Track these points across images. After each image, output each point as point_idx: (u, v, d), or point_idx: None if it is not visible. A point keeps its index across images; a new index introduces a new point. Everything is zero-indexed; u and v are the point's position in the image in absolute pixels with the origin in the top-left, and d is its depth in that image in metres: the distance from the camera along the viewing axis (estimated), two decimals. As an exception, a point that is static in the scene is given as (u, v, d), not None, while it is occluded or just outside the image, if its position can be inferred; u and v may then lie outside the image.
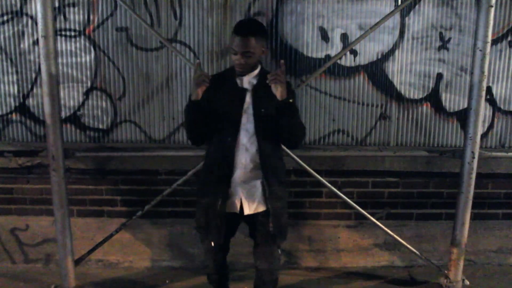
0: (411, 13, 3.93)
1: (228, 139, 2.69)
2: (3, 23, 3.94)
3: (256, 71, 2.74)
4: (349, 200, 3.77)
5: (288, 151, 3.46)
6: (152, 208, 3.85)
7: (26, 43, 3.97)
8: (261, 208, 2.79)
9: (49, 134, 3.45)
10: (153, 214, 4.07)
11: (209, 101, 2.68)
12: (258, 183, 2.77)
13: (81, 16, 3.92)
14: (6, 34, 3.96)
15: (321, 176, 3.75)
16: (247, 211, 2.77)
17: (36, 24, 3.75)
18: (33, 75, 4.01)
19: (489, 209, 4.24)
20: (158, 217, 4.16)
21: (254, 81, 2.73)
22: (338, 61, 3.97)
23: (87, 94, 4.05)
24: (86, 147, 4.01)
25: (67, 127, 4.06)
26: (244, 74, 2.70)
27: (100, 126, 4.11)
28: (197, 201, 2.92)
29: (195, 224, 2.94)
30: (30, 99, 4.06)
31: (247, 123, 2.70)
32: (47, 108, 3.41)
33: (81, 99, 4.06)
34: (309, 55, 4.00)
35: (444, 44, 3.99)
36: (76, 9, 3.91)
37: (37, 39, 3.80)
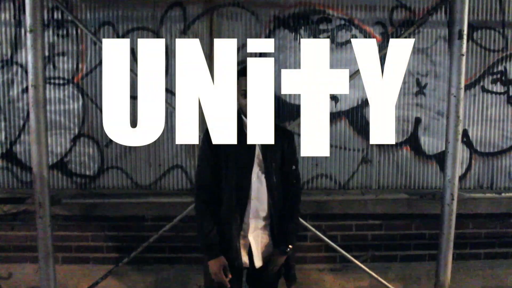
0: (389, 60, 4.11)
1: (240, 190, 2.58)
2: (-7, 72, 4.04)
3: None
4: (333, 244, 3.82)
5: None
6: (139, 254, 3.84)
7: (15, 91, 4.05)
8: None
9: (36, 181, 3.47)
10: (139, 260, 4.06)
11: (217, 153, 2.59)
12: (268, 234, 2.68)
13: (70, 65, 4.04)
14: (-4, 83, 4.05)
15: (306, 220, 3.80)
16: (258, 263, 2.65)
17: (26, 72, 3.85)
18: (21, 122, 4.08)
19: (471, 249, 4.33)
20: (145, 264, 4.15)
21: None
22: (320, 107, 4.10)
23: (74, 140, 4.11)
24: (72, 194, 4.03)
25: (54, 173, 4.09)
26: None
27: (87, 173, 4.15)
28: (205, 272, 2.71)
29: (204, 284, 2.80)
30: (18, 146, 4.10)
31: (259, 174, 2.61)
32: (34, 156, 3.44)
33: (68, 146, 4.11)
34: (292, 102, 4.13)
35: (421, 90, 4.17)
36: (65, 58, 4.03)
37: (26, 87, 3.91)
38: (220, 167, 2.60)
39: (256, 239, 2.64)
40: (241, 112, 2.63)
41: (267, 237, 2.68)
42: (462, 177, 4.22)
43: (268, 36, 4.07)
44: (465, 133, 4.19)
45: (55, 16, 4.00)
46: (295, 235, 2.72)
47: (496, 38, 4.17)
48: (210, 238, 2.57)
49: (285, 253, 2.65)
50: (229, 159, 2.58)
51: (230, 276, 2.57)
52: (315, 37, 4.09)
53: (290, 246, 2.65)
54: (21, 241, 4.12)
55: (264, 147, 2.61)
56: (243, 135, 2.59)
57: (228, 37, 4.04)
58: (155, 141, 4.04)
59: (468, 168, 4.28)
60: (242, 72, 2.59)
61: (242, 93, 2.55)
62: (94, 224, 4.13)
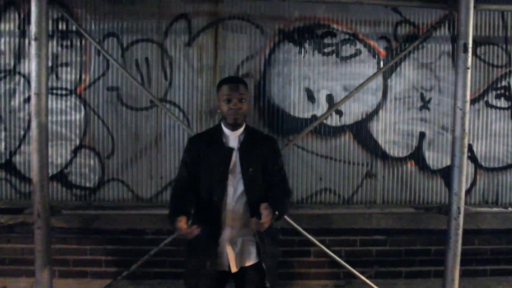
0: (393, 75, 4.14)
1: (215, 198, 2.65)
2: (-4, 81, 4.01)
3: (242, 128, 2.73)
4: (339, 259, 3.76)
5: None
6: (138, 268, 3.76)
7: (17, 101, 4.01)
8: (250, 262, 2.71)
9: (35, 191, 3.40)
10: (139, 275, 3.98)
11: (196, 162, 2.70)
12: (248, 241, 2.70)
13: (73, 76, 4.02)
14: (-2, 92, 4.02)
15: (309, 235, 3.74)
16: (234, 269, 2.68)
17: (28, 82, 3.85)
18: (22, 133, 4.02)
19: (477, 266, 4.26)
20: (145, 278, 4.05)
21: (241, 139, 2.71)
22: (324, 121, 4.09)
23: (75, 152, 4.05)
24: (72, 205, 3.95)
25: (53, 185, 4.02)
26: (238, 123, 2.68)
27: (87, 185, 4.08)
28: (185, 261, 2.83)
29: (184, 285, 2.82)
30: (17, 156, 4.04)
31: (234, 182, 2.67)
32: (35, 165, 3.39)
33: (69, 157, 4.05)
34: (296, 115, 4.12)
35: (425, 104, 4.17)
36: (68, 68, 4.01)
37: (28, 97, 3.89)
38: (197, 173, 2.70)
39: (232, 243, 2.68)
40: (223, 119, 2.72)
41: (247, 242, 2.70)
42: (467, 193, 4.17)
43: (272, 49, 4.07)
44: (469, 148, 4.16)
45: (60, 27, 3.99)
46: (284, 210, 2.68)
47: (499, 53, 4.21)
48: (173, 212, 2.60)
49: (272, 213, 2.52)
50: (205, 165, 2.68)
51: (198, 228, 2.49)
52: (319, 51, 4.09)
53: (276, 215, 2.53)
54: (17, 254, 4.02)
55: (241, 153, 2.68)
56: (221, 142, 2.70)
57: (233, 50, 4.05)
58: (156, 153, 4.07)
59: (473, 183, 4.26)
60: (224, 81, 2.74)
61: (224, 99, 2.64)
62: (93, 237, 4.04)
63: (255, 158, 2.69)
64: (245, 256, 2.71)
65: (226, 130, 2.72)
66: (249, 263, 2.71)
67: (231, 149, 2.69)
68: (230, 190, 2.66)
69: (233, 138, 2.71)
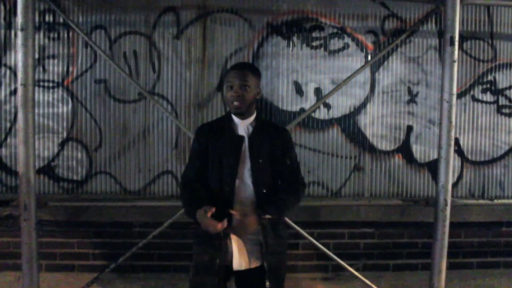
0: (381, 68, 4.16)
1: (226, 188, 2.50)
2: (-19, 73, 3.96)
3: (252, 117, 2.60)
4: (328, 252, 3.77)
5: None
6: (126, 262, 3.75)
7: (2, 93, 3.95)
8: (254, 264, 2.55)
9: (21, 183, 3.37)
10: (126, 268, 3.97)
11: (206, 150, 2.57)
12: (252, 239, 2.54)
13: (60, 68, 3.98)
14: (-17, 84, 3.97)
15: (298, 227, 3.75)
16: (236, 266, 2.53)
17: (15, 74, 3.81)
18: (8, 125, 3.98)
19: (463, 258, 4.31)
20: (132, 272, 4.05)
21: (250, 128, 2.57)
22: (312, 114, 4.10)
23: (62, 144, 4.02)
24: (59, 198, 3.93)
25: (40, 178, 3.97)
26: (242, 112, 2.54)
27: (75, 177, 4.04)
28: (195, 256, 2.62)
29: (190, 282, 2.62)
30: (3, 149, 3.99)
31: (245, 172, 2.53)
32: (21, 157, 3.36)
33: (56, 150, 4.02)
34: (284, 108, 4.12)
35: (412, 98, 4.20)
36: (55, 61, 3.97)
37: (15, 90, 3.85)
38: (207, 165, 2.57)
39: (238, 239, 2.53)
40: (228, 106, 2.60)
41: (251, 241, 2.54)
42: (454, 186, 4.20)
43: (261, 42, 4.08)
44: (456, 141, 4.19)
45: (47, 19, 3.96)
46: (280, 209, 2.53)
47: (485, 48, 4.25)
48: (190, 204, 2.49)
49: (259, 216, 2.43)
50: (215, 153, 2.55)
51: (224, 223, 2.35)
52: (307, 44, 4.11)
53: (267, 215, 2.44)
54: (4, 248, 3.99)
55: (251, 142, 2.55)
56: (231, 130, 2.57)
57: (221, 43, 4.05)
58: (145, 146, 4.05)
59: (460, 176, 4.29)
60: (231, 67, 2.63)
61: (227, 85, 2.53)
62: (81, 230, 4.03)
63: (265, 149, 2.55)
64: (248, 256, 2.55)
65: (235, 118, 2.59)
66: (252, 264, 2.55)
67: (242, 137, 2.55)
68: (240, 180, 2.53)
69: (242, 126, 2.58)
